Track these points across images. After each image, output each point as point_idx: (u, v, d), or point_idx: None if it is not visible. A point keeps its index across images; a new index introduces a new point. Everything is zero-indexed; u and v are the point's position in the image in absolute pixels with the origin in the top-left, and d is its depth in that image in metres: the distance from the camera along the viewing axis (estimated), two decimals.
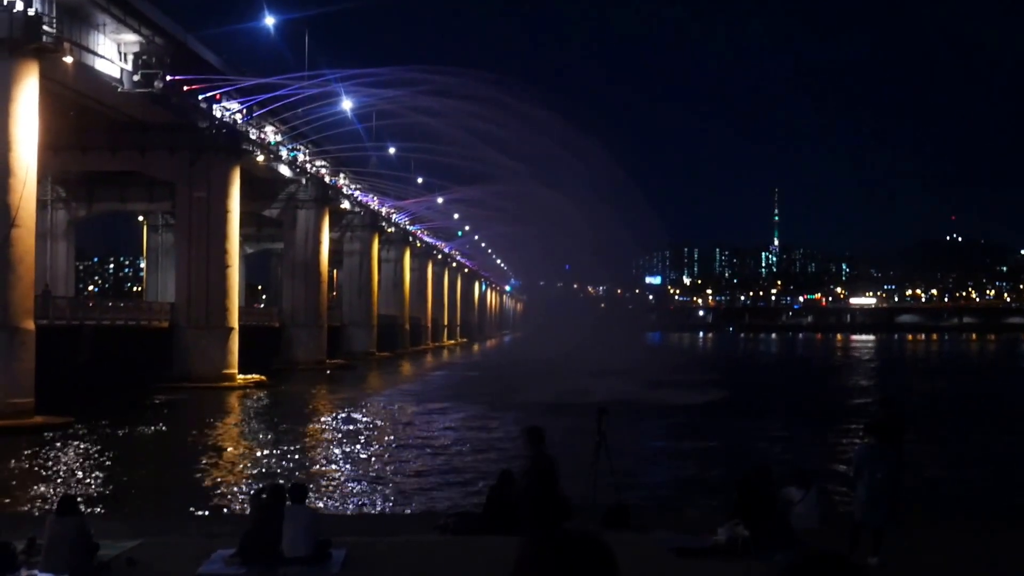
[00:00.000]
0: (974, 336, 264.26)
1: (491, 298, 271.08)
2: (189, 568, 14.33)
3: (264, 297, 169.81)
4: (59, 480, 31.11)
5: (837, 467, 31.36)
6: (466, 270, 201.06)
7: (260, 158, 76.91)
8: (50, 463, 34.82)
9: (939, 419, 48.80)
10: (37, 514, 22.86)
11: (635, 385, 60.22)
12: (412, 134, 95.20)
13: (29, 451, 37.28)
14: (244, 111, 71.38)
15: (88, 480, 31.33)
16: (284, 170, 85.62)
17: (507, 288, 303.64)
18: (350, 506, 27.35)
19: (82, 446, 38.77)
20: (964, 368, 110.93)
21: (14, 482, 30.59)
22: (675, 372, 75.33)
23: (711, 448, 39.68)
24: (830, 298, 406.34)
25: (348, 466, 35.02)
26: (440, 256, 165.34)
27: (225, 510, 26.37)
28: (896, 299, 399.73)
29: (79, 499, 18.31)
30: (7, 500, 27.33)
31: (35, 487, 29.91)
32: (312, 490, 25.18)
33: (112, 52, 56.87)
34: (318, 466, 35.01)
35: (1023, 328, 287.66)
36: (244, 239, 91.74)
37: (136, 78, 58.36)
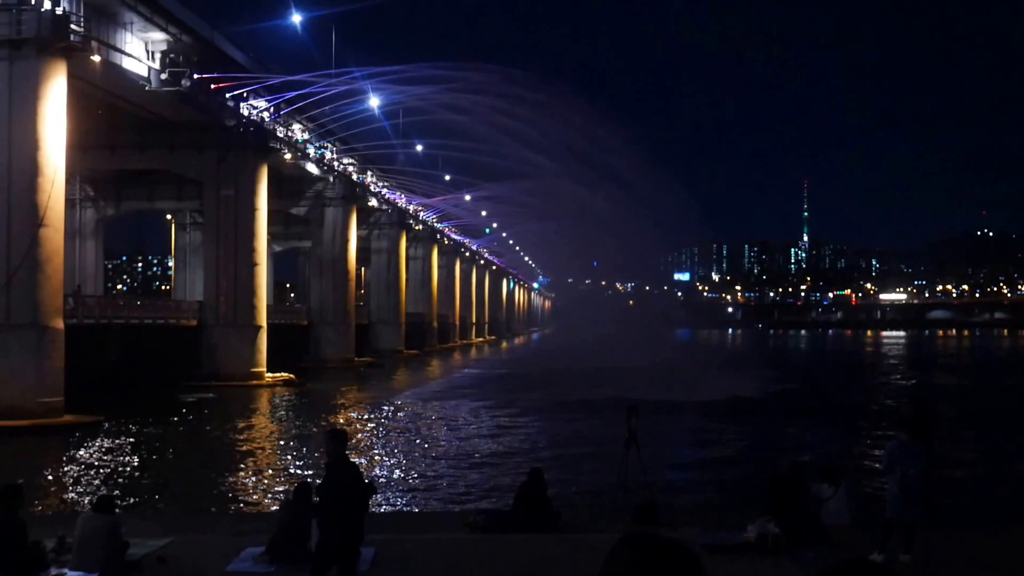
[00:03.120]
0: (1006, 332, 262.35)
1: (519, 295, 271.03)
2: (218, 566, 14.33)
3: (292, 295, 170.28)
4: (88, 479, 31.19)
5: (868, 464, 31.13)
6: (494, 267, 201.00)
7: (287, 156, 77.13)
8: (79, 462, 34.94)
9: (971, 417, 48.26)
10: (73, 512, 22.90)
11: (666, 382, 59.92)
12: (440, 131, 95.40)
13: (59, 450, 37.45)
14: (271, 109, 71.49)
15: (118, 479, 31.39)
16: (312, 168, 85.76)
17: (535, 285, 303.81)
18: (379, 504, 27.29)
19: (112, 445, 38.89)
20: (996, 365, 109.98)
21: (44, 481, 30.69)
22: (709, 371, 74.91)
23: (742, 445, 39.45)
24: (860, 294, 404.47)
25: (376, 464, 34.97)
26: (468, 253, 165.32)
27: (254, 508, 26.39)
28: (927, 295, 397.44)
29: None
30: (37, 499, 27.39)
31: (65, 486, 30.04)
32: None
33: (140, 50, 57.03)
34: None
35: None
36: (272, 237, 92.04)
37: (164, 76, 58.56)
